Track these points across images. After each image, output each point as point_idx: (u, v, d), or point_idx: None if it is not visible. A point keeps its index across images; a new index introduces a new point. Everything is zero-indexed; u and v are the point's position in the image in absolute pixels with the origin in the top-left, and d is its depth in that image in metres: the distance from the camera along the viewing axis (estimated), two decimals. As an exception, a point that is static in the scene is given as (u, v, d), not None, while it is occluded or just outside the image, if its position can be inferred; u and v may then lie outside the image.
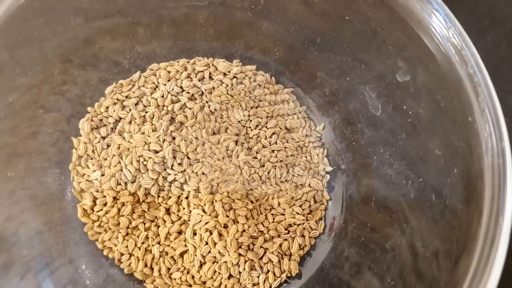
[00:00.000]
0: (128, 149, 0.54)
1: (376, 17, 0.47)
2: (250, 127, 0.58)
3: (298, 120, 0.59)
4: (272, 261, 0.54)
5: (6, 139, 0.50)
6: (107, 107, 0.56)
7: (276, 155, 0.57)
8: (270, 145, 0.58)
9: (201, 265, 0.53)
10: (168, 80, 0.57)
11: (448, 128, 0.43)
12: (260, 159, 0.57)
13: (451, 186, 0.42)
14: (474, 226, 0.37)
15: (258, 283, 0.53)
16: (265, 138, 0.58)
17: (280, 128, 0.59)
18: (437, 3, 0.41)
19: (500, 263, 0.33)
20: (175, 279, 0.53)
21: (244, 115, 0.58)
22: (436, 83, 0.43)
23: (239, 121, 0.58)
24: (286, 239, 0.55)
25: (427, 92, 0.45)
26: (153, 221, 0.54)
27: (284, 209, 0.55)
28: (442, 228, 0.42)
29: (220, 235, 0.53)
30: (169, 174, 0.54)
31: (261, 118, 0.58)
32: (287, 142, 0.59)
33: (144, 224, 0.54)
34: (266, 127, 0.59)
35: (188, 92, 0.57)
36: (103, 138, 0.56)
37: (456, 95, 0.40)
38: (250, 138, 0.58)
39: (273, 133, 0.58)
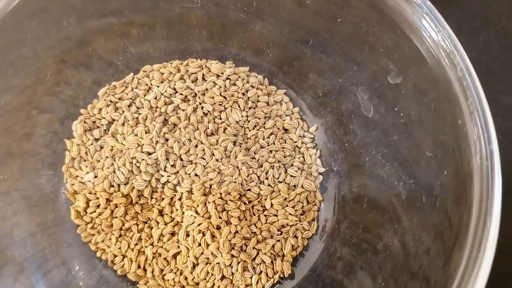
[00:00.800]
0: (121, 151, 0.54)
1: (368, 20, 0.47)
2: (248, 127, 0.58)
3: (292, 121, 0.60)
4: (265, 262, 0.54)
5: (0, 140, 0.50)
6: (100, 109, 0.56)
7: (274, 155, 0.58)
8: (268, 145, 0.58)
9: (194, 266, 0.53)
10: (161, 82, 0.58)
11: (438, 130, 0.43)
12: (258, 160, 0.57)
13: (442, 187, 0.42)
14: (463, 227, 0.37)
15: (251, 284, 0.53)
16: (263, 139, 0.58)
17: (278, 129, 0.59)
18: (427, 6, 0.41)
19: (488, 263, 0.34)
20: (168, 280, 0.54)
21: (242, 116, 0.58)
22: (426, 85, 0.44)
23: (237, 122, 0.58)
24: (279, 240, 0.55)
25: (418, 95, 0.45)
26: (146, 222, 0.55)
27: (277, 210, 0.56)
28: (432, 228, 0.43)
29: (213, 236, 0.53)
30: (162, 176, 0.54)
31: (259, 119, 0.59)
32: (285, 143, 0.59)
33: (137, 225, 0.54)
34: (264, 127, 0.59)
35: (181, 94, 0.57)
36: (96, 140, 0.56)
37: (446, 98, 0.40)
38: (248, 138, 0.58)
39: (271, 134, 0.58)
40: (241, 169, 0.55)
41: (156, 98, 0.57)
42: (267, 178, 0.56)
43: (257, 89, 0.59)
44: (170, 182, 0.54)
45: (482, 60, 0.66)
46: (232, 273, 0.53)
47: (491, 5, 0.68)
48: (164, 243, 0.54)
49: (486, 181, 0.36)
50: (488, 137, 0.37)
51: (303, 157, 0.59)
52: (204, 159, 0.55)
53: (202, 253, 0.53)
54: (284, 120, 0.59)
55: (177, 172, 0.54)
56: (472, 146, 0.38)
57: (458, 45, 0.40)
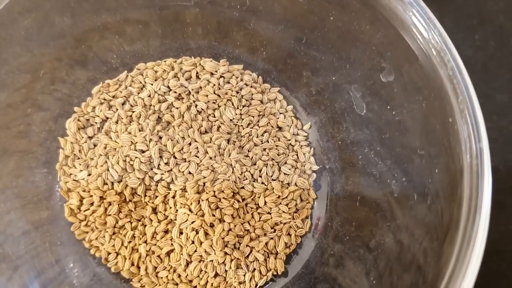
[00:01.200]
0: (115, 149, 0.54)
1: (360, 18, 0.47)
2: (242, 125, 0.58)
3: (286, 119, 0.60)
4: (258, 260, 0.54)
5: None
6: (94, 107, 0.56)
7: (268, 153, 0.58)
8: (262, 143, 0.58)
9: (187, 264, 0.53)
10: (155, 80, 0.58)
11: (430, 128, 0.44)
12: (252, 158, 0.57)
13: (433, 185, 0.42)
14: (454, 223, 0.37)
15: (244, 282, 0.54)
16: (257, 137, 0.58)
17: (272, 127, 0.59)
18: (418, 4, 0.41)
19: (478, 258, 0.34)
20: (161, 277, 0.54)
21: (236, 114, 0.58)
22: (418, 83, 0.44)
23: (231, 120, 0.58)
24: (272, 238, 0.55)
25: (410, 93, 0.45)
26: (139, 220, 0.55)
27: (271, 208, 0.56)
28: (424, 225, 0.43)
29: (206, 234, 0.53)
30: (156, 174, 0.54)
31: (253, 117, 0.59)
32: (279, 141, 0.59)
33: (131, 223, 0.54)
34: (257, 125, 0.59)
35: (175, 92, 0.57)
36: (90, 138, 0.56)
37: (437, 96, 0.40)
38: (242, 136, 0.58)
39: (265, 132, 0.58)
40: (234, 167, 0.55)
41: (149, 96, 0.57)
42: (260, 176, 0.56)
43: (251, 87, 0.59)
44: (163, 180, 0.54)
45: (478, 58, 0.66)
46: (226, 271, 0.53)
47: (487, 3, 0.68)
48: (158, 240, 0.54)
49: (476, 179, 0.36)
50: (478, 135, 0.37)
51: (297, 155, 0.59)
52: (198, 157, 0.55)
53: (195, 251, 0.53)
54: (278, 118, 0.59)
55: (171, 170, 0.54)
56: (463, 144, 0.38)
57: (449, 43, 0.40)
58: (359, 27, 0.48)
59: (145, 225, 0.54)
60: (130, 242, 0.54)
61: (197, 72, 0.59)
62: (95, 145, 0.56)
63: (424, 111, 0.44)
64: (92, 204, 0.54)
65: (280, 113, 0.60)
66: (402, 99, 0.47)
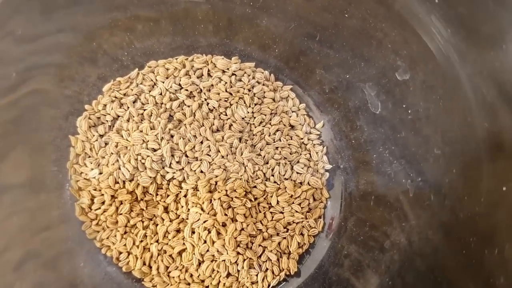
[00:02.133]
0: (126, 147, 0.54)
1: (375, 15, 0.47)
2: (254, 124, 0.58)
3: (298, 117, 0.59)
4: (271, 260, 0.54)
5: (4, 135, 0.50)
6: (105, 105, 0.56)
7: (280, 152, 0.57)
8: (274, 142, 0.58)
9: (199, 264, 0.53)
10: (167, 78, 0.57)
11: (447, 127, 0.43)
12: (264, 156, 0.56)
13: (450, 185, 0.42)
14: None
15: (257, 282, 0.53)
16: (269, 135, 0.58)
17: (284, 125, 0.59)
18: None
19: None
20: (173, 277, 0.53)
21: (248, 112, 0.57)
22: (435, 82, 0.43)
23: (243, 118, 0.57)
24: (285, 238, 0.55)
25: (426, 91, 0.45)
26: (151, 219, 0.54)
27: (283, 208, 0.55)
28: (440, 226, 0.42)
29: (218, 233, 0.52)
30: (167, 172, 0.53)
31: (265, 115, 0.58)
32: (291, 139, 0.58)
33: (143, 222, 0.54)
34: (270, 124, 0.58)
35: (187, 90, 0.57)
36: (101, 136, 0.55)
37: (454, 95, 0.40)
38: (254, 135, 0.57)
39: (277, 130, 0.58)
40: (246, 166, 0.55)
41: (161, 94, 0.56)
42: (273, 175, 0.56)
43: (263, 85, 0.59)
44: (175, 178, 0.54)
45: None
46: (238, 271, 0.53)
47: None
48: (169, 240, 0.53)
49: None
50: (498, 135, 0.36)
51: (310, 154, 0.58)
52: (210, 155, 0.54)
53: (207, 250, 0.53)
54: (290, 117, 0.59)
55: (183, 168, 0.54)
56: (481, 144, 0.37)
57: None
58: (375, 24, 0.47)
59: (157, 224, 0.54)
60: (141, 241, 0.54)
61: (208, 70, 0.58)
62: (106, 144, 0.55)
63: (440, 110, 0.43)
64: (103, 203, 0.53)
65: (293, 111, 0.59)
66: (418, 98, 0.46)
